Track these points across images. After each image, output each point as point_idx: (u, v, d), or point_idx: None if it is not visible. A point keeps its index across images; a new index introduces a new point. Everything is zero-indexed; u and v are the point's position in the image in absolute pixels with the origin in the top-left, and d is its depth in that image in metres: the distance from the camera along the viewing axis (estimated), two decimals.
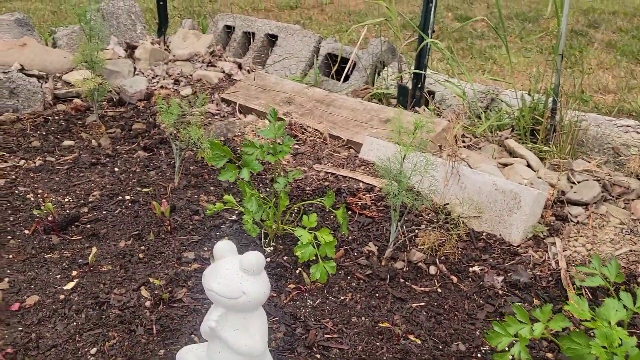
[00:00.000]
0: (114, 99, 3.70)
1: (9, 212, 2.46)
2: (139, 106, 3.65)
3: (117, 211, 2.47)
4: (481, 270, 2.17)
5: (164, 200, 2.37)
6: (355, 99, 3.33)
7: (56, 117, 3.44)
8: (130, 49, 4.13)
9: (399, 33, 3.57)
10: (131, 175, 2.81)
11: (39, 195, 2.60)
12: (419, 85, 3.38)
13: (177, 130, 2.75)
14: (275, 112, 2.11)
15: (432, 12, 3.22)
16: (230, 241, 1.45)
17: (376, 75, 3.77)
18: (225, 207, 2.27)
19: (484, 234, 2.38)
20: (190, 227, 2.36)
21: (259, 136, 3.13)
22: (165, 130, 2.95)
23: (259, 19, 4.34)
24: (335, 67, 3.75)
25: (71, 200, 2.57)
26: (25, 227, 2.34)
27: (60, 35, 4.10)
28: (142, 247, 2.21)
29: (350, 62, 3.54)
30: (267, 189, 2.66)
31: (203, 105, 2.67)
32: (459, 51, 5.69)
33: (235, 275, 1.36)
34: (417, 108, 3.43)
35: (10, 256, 2.14)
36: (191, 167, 2.88)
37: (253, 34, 4.25)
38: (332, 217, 2.46)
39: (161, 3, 4.25)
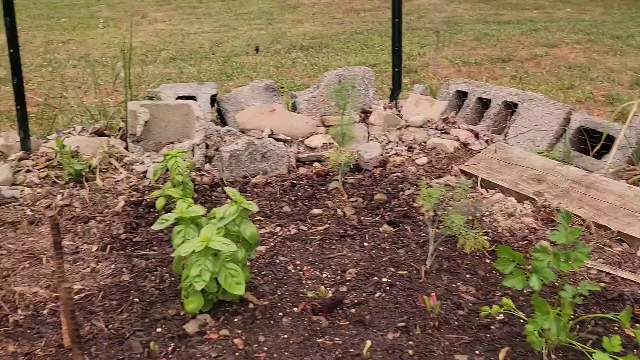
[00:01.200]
0: (351, 165, 3.80)
1: (275, 283, 2.58)
2: (375, 173, 3.69)
3: (377, 295, 2.46)
4: None
5: (432, 294, 2.29)
6: (619, 181, 2.98)
7: (301, 182, 3.62)
8: (365, 114, 4.25)
9: None
10: (381, 252, 2.80)
11: (298, 267, 2.70)
12: None
13: (435, 213, 2.68)
14: (569, 216, 1.92)
15: None
16: None
17: None
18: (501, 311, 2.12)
19: None
20: (456, 323, 2.24)
21: (509, 217, 2.94)
22: (424, 213, 2.89)
23: (495, 86, 4.19)
24: (598, 146, 3.39)
25: (329, 276, 2.62)
26: (292, 303, 2.43)
27: (301, 99, 4.36)
28: (411, 342, 2.14)
29: (617, 140, 3.19)
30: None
31: (464, 194, 2.56)
32: None
33: None
34: None
35: (285, 336, 2.22)
36: (440, 248, 2.79)
37: (488, 100, 4.09)
38: (621, 330, 2.16)
39: (396, 69, 4.32)
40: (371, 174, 3.69)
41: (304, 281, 2.59)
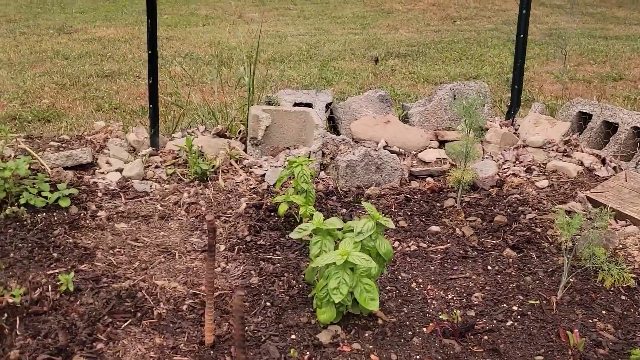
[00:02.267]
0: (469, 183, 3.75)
1: (400, 300, 2.59)
2: (492, 193, 3.62)
3: (508, 323, 2.41)
4: None
5: (575, 330, 2.22)
6: None
7: (415, 197, 3.61)
8: (479, 130, 4.17)
9: None
10: (507, 278, 2.75)
11: (421, 286, 2.70)
12: None
13: (573, 243, 2.60)
14: None
15: None
16: None
17: None
18: None
19: None
20: None
21: None
22: (553, 240, 2.81)
23: (624, 109, 4.00)
24: None
25: (454, 298, 2.60)
26: (420, 322, 2.43)
27: (413, 111, 4.35)
28: None
29: None
30: None
31: (605, 226, 2.46)
32: None
33: None
34: None
35: (418, 357, 2.22)
36: (571, 279, 2.70)
37: (616, 124, 3.92)
38: None
39: (516, 87, 4.22)
40: (487, 193, 3.62)
41: (429, 301, 2.58)
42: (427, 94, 7.03)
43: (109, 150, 3.79)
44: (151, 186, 3.54)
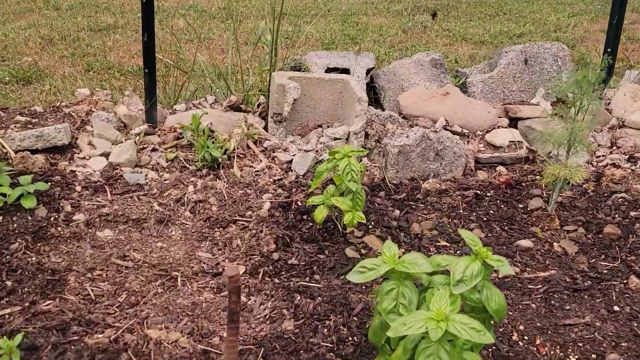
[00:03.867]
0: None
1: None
2: (587, 189, 2.80)
3: None
4: None
5: None
6: None
7: (488, 194, 2.78)
8: (560, 104, 3.31)
9: None
10: None
11: (525, 337, 1.91)
12: None
13: None
14: None
15: None
16: None
17: None
18: None
19: None
20: None
21: None
22: None
23: None
24: None
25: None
26: None
27: (474, 80, 3.47)
28: None
29: None
30: None
31: None
32: None
33: None
34: None
35: None
36: None
37: None
38: None
39: (609, 49, 3.33)
40: (582, 190, 2.79)
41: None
42: (468, 55, 6.12)
43: (92, 127, 2.96)
44: (146, 176, 2.72)
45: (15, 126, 2.82)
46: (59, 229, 2.32)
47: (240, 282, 1.22)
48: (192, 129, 2.82)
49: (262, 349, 1.80)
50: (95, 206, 2.48)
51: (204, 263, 2.23)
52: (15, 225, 2.29)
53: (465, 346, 1.49)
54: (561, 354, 1.83)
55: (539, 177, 2.92)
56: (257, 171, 2.84)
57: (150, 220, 2.45)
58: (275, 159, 2.93)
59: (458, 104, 3.21)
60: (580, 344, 1.87)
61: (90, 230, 2.35)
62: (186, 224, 2.46)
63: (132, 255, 2.23)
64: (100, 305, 1.94)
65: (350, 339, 1.86)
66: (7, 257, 2.12)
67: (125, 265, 2.17)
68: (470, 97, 3.37)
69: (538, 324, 1.96)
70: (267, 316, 1.95)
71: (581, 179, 2.30)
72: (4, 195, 2.36)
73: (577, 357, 1.82)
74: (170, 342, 1.79)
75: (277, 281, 2.14)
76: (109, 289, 2.03)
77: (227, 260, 2.26)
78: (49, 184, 2.51)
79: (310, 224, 2.48)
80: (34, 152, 2.72)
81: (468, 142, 3.10)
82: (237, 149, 2.89)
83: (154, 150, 2.87)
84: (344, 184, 2.30)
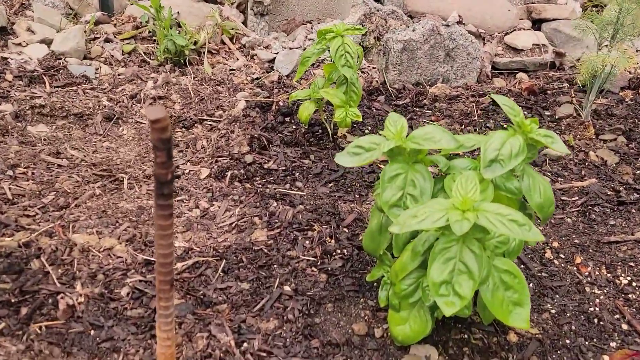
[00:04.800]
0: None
1: (536, 286, 1.39)
2: (624, 97, 2.36)
3: None
4: None
5: None
6: None
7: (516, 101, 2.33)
8: (593, 7, 2.82)
9: None
10: None
11: (562, 256, 1.50)
12: None
13: None
14: None
15: None
16: None
17: None
18: None
19: None
20: None
21: None
22: None
23: None
24: None
25: (634, 283, 1.41)
26: (586, 337, 1.25)
27: None
28: None
29: None
30: None
31: None
32: None
33: None
34: None
35: None
36: None
37: None
38: None
39: None
40: (619, 98, 2.35)
41: (586, 287, 1.39)
42: None
43: (33, 11, 2.45)
44: (97, 70, 2.25)
45: None
46: None
47: (170, 130, 0.78)
48: (152, 15, 2.32)
49: (224, 261, 1.38)
50: (29, 96, 2.01)
51: None
52: None
53: (498, 249, 1.07)
54: (609, 274, 1.42)
55: (566, 84, 2.47)
56: (233, 69, 2.37)
57: (97, 116, 1.99)
58: (255, 57, 2.46)
59: (474, 0, 2.72)
60: (631, 264, 1.46)
61: (19, 124, 1.89)
62: (141, 123, 2.01)
63: (68, 153, 1.78)
64: (18, 207, 1.50)
65: (339, 251, 1.44)
66: None
67: (57, 164, 1.72)
68: None
69: (576, 241, 1.55)
70: (234, 224, 1.53)
71: (630, 66, 1.85)
72: None
73: (629, 278, 1.41)
74: (101, 249, 1.36)
75: (249, 186, 1.70)
76: (33, 188, 1.59)
77: (189, 164, 1.82)
78: None
79: (294, 126, 2.04)
80: None
81: (484, 43, 2.63)
82: (209, 43, 2.41)
83: (107, 41, 2.38)
84: (336, 71, 1.85)
